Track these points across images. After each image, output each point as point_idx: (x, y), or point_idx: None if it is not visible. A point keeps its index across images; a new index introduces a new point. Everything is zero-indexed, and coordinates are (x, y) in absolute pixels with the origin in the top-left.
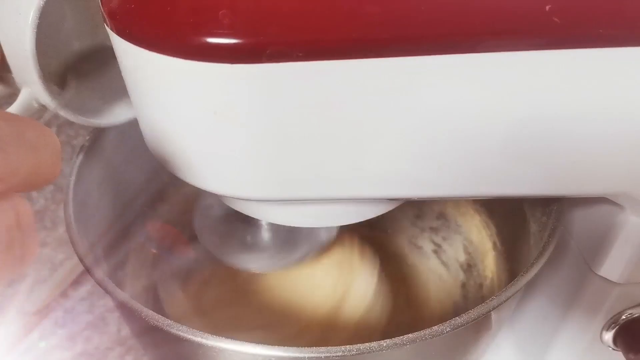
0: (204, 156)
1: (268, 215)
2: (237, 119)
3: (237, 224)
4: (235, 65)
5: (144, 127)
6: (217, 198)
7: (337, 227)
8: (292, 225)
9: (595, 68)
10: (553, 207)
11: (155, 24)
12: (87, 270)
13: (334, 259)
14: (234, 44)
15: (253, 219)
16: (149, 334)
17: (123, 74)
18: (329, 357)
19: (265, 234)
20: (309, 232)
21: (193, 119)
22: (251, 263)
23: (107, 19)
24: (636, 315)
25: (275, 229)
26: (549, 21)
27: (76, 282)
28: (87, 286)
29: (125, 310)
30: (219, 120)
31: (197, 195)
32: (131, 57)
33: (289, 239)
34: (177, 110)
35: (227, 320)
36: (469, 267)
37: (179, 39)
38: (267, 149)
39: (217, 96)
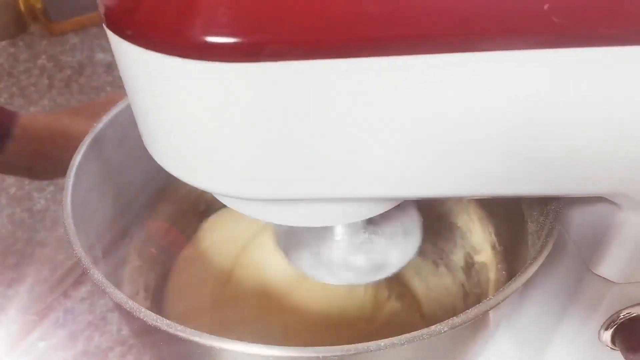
0: (202, 156)
1: (264, 214)
2: (235, 118)
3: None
4: (233, 64)
5: (142, 126)
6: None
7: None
8: (288, 224)
9: (594, 67)
10: (551, 206)
11: (153, 22)
12: (86, 270)
13: None
14: (232, 42)
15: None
16: (147, 334)
17: (121, 73)
18: (327, 356)
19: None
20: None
21: (191, 118)
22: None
23: (104, 18)
24: (634, 314)
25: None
26: (548, 20)
27: (77, 282)
28: (88, 286)
29: (123, 311)
30: (216, 119)
31: (197, 195)
32: (129, 56)
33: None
34: (174, 110)
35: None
36: (468, 267)
37: (176, 38)
38: (266, 148)
39: (215, 95)
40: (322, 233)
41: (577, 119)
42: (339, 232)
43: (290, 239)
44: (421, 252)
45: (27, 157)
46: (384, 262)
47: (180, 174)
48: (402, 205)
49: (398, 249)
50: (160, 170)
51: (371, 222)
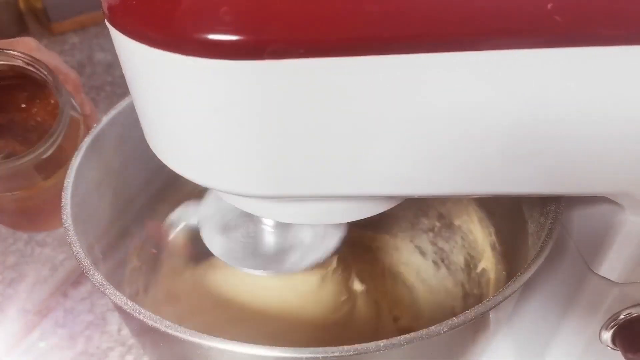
0: (205, 153)
1: (267, 212)
2: (238, 116)
3: (241, 228)
4: (237, 61)
5: (144, 124)
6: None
7: (342, 234)
8: (290, 222)
9: (596, 66)
10: (551, 206)
11: (157, 20)
12: (85, 272)
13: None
14: (236, 40)
15: (257, 221)
16: (147, 334)
17: (123, 69)
18: (327, 357)
19: (271, 238)
20: (317, 237)
21: (194, 115)
22: (258, 267)
23: (107, 15)
24: (635, 314)
25: (282, 232)
26: (551, 20)
27: (77, 282)
28: (88, 286)
29: (123, 312)
30: (220, 117)
31: (197, 196)
32: (132, 53)
33: (295, 243)
34: (177, 107)
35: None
36: (468, 267)
37: (180, 36)
38: (268, 145)
39: (218, 93)
40: (248, 217)
41: (579, 118)
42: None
43: (212, 219)
44: (421, 253)
45: None
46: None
47: (182, 171)
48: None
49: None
50: (160, 170)
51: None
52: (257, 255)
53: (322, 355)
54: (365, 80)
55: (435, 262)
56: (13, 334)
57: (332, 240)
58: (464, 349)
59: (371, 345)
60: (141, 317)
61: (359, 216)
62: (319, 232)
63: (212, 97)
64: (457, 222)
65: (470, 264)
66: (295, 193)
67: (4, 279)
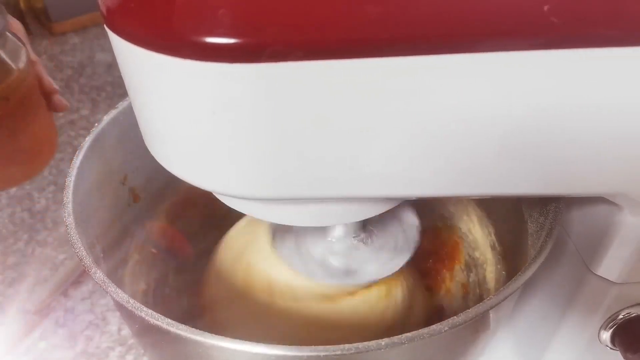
0: (203, 156)
1: (265, 213)
2: (236, 118)
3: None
4: (234, 64)
5: (143, 126)
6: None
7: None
8: (288, 224)
9: (593, 68)
10: (550, 206)
11: (155, 23)
12: (87, 270)
13: None
14: (234, 43)
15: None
16: (148, 333)
17: (122, 72)
18: (328, 355)
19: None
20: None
21: (191, 118)
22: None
23: (105, 19)
24: (634, 314)
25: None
26: (547, 21)
27: (77, 282)
28: (88, 286)
29: (124, 310)
30: (218, 120)
31: (197, 194)
32: (130, 56)
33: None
34: (175, 110)
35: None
36: (468, 268)
37: (178, 39)
38: (267, 147)
39: (216, 95)
40: (315, 228)
41: (577, 119)
42: (330, 232)
43: (281, 226)
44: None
45: None
46: (358, 271)
47: (181, 174)
48: (404, 222)
49: (379, 263)
50: (160, 169)
51: (366, 230)
52: (311, 261)
53: (324, 354)
54: (363, 82)
55: None
56: (13, 334)
57: (403, 258)
58: (464, 349)
59: (372, 343)
60: (143, 315)
61: (358, 217)
62: (390, 249)
63: (211, 100)
64: (456, 223)
65: (470, 264)
66: (295, 195)
67: (5, 279)
